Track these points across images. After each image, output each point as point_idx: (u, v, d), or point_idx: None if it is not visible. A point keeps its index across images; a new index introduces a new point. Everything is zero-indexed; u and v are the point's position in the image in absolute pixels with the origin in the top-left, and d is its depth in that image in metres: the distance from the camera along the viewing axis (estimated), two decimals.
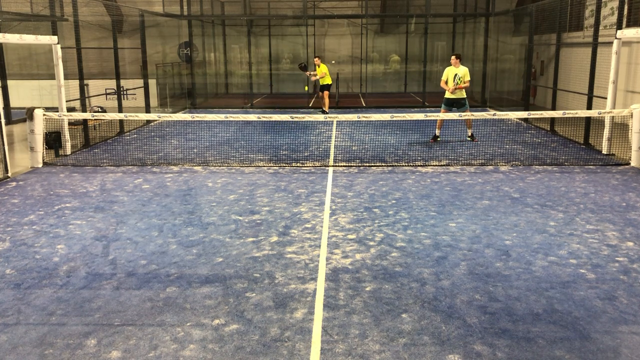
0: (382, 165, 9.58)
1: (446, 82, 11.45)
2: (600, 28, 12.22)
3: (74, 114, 10.73)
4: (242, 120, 14.55)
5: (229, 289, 4.75)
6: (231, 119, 9.98)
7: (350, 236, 6.04)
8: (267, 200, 7.47)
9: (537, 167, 9.41)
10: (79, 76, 11.54)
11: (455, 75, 11.30)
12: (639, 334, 3.98)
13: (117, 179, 8.78)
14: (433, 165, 9.53)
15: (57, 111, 10.62)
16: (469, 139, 11.86)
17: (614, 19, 13.05)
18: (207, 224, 6.49)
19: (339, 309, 4.37)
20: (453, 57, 11.42)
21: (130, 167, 9.65)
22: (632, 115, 9.39)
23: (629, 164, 9.51)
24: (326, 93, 16.60)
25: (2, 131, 8.70)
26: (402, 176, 8.80)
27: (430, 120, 12.26)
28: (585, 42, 14.41)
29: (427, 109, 17.80)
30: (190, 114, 9.89)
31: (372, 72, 24.02)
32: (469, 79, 11.38)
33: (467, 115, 10.31)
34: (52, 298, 4.59)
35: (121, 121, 13.42)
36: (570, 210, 6.94)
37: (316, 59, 16.64)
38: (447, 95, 11.48)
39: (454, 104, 11.50)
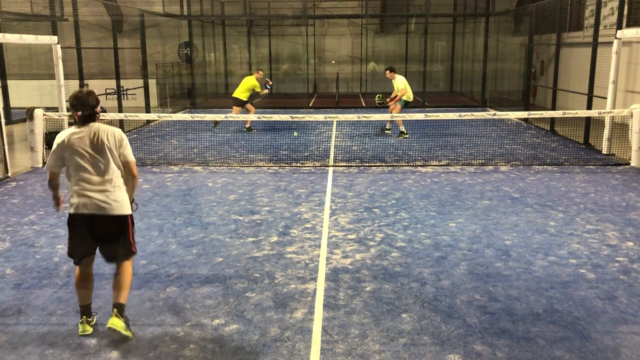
0: (382, 165, 9.58)
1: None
2: (600, 28, 12.22)
3: None
4: (242, 121, 14.54)
5: (229, 289, 4.75)
6: (231, 119, 9.98)
7: (350, 236, 6.04)
8: (267, 200, 7.47)
9: (537, 167, 9.41)
10: (79, 76, 11.55)
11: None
12: (639, 334, 3.98)
13: None
14: (433, 165, 9.53)
15: (57, 111, 10.62)
16: (387, 131, 12.86)
17: (614, 19, 13.05)
18: (207, 224, 6.49)
19: (339, 309, 4.37)
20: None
21: None
22: (632, 115, 9.39)
23: (629, 164, 9.51)
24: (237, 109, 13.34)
25: (2, 131, 8.69)
26: (402, 176, 8.80)
27: (431, 120, 12.26)
28: (585, 42, 14.41)
29: (427, 109, 17.80)
30: (190, 114, 9.89)
31: (372, 72, 24.01)
32: (400, 87, 12.24)
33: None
34: (52, 298, 4.59)
35: (121, 121, 13.39)
36: (570, 210, 6.94)
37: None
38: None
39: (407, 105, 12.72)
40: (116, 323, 3.88)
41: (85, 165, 3.92)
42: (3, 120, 8.73)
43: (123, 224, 4.01)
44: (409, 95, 12.46)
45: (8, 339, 3.95)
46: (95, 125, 3.98)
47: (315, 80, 23.95)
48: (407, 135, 12.48)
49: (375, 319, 4.20)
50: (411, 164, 9.61)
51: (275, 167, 9.52)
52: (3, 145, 8.76)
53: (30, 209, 7.15)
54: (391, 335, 3.96)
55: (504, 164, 9.62)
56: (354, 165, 9.60)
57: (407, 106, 12.79)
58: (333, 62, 24.37)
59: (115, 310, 3.94)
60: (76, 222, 3.95)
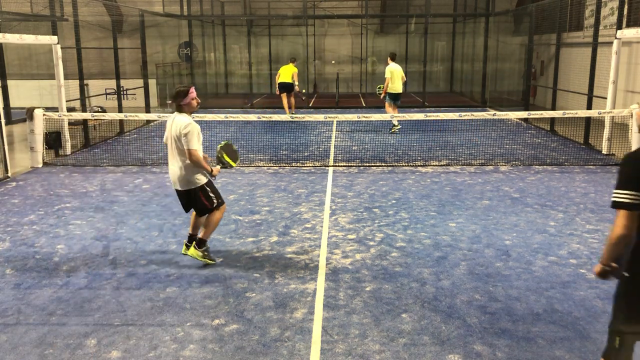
0: (382, 165, 9.58)
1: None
2: (600, 28, 12.22)
3: (74, 114, 10.72)
4: (242, 120, 14.53)
5: (229, 289, 4.75)
6: (231, 119, 9.99)
7: (350, 236, 6.03)
8: (267, 200, 7.46)
9: (537, 167, 9.41)
10: (79, 76, 11.53)
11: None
12: None
13: (117, 179, 8.78)
14: (433, 165, 9.53)
15: (57, 111, 10.61)
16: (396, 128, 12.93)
17: (614, 19, 13.05)
18: None
19: (339, 309, 4.37)
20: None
21: (130, 167, 9.65)
22: (632, 115, 9.39)
23: None
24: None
25: (2, 131, 8.69)
26: (402, 176, 8.80)
27: (430, 120, 12.26)
28: (585, 42, 14.41)
29: (427, 109, 17.79)
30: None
31: (372, 72, 24.01)
32: (386, 76, 12.50)
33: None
34: (52, 298, 4.59)
35: (121, 121, 13.41)
36: (570, 210, 6.94)
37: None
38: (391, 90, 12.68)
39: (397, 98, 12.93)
40: (192, 252, 5.19)
41: (170, 146, 5.06)
42: (3, 120, 8.73)
43: (192, 194, 5.06)
44: (394, 88, 12.53)
45: (8, 339, 3.95)
46: (179, 115, 4.99)
47: (315, 80, 23.94)
48: (400, 127, 12.72)
49: (375, 319, 4.20)
50: (411, 164, 9.61)
51: (275, 167, 9.52)
52: (3, 145, 8.76)
53: (30, 209, 7.15)
54: (391, 335, 3.96)
55: (504, 164, 9.61)
56: (354, 165, 9.60)
57: (396, 99, 12.81)
58: (333, 62, 24.35)
59: (194, 242, 5.22)
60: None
